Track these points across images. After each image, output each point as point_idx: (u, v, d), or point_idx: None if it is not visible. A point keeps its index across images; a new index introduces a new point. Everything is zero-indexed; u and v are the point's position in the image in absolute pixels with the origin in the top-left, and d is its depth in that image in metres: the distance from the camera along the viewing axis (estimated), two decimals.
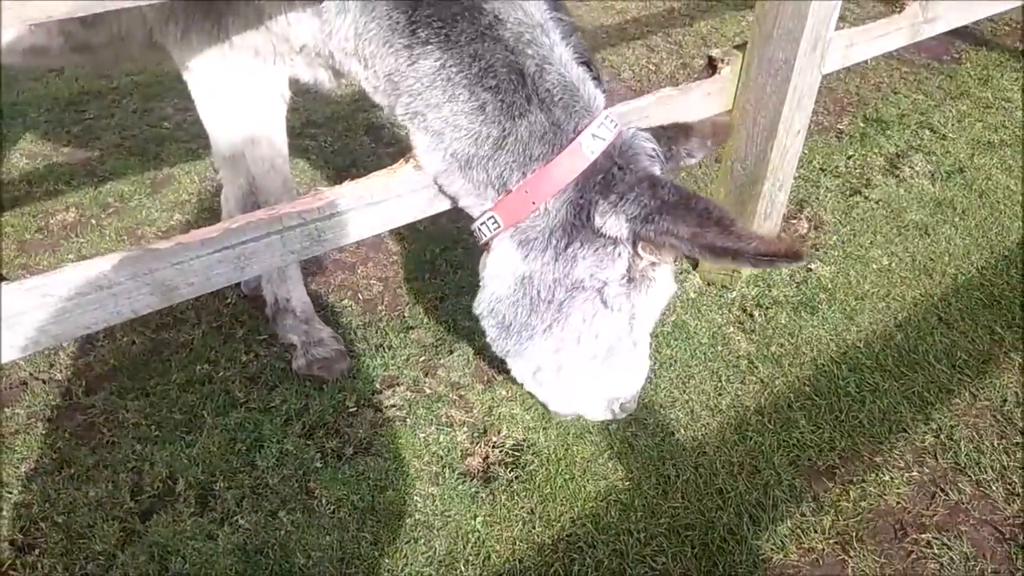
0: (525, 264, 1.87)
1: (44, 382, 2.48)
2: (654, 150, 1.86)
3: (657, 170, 1.84)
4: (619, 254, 1.82)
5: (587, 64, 1.86)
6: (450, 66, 1.75)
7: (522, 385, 2.15)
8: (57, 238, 3.14)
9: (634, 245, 1.79)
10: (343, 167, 3.60)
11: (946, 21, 3.11)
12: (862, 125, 4.01)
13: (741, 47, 2.52)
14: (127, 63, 3.75)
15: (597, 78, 1.89)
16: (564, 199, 1.80)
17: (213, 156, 2.24)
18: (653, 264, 1.84)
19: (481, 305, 1.99)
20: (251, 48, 1.87)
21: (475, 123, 1.78)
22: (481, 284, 1.99)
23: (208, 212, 3.31)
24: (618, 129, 1.82)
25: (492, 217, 1.86)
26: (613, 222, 1.76)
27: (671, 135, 1.98)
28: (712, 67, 2.53)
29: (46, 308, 1.57)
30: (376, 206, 1.93)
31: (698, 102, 2.50)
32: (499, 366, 2.39)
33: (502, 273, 1.91)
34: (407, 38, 1.76)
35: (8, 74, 4.22)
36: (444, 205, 2.03)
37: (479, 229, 1.92)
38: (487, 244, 1.94)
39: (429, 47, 1.75)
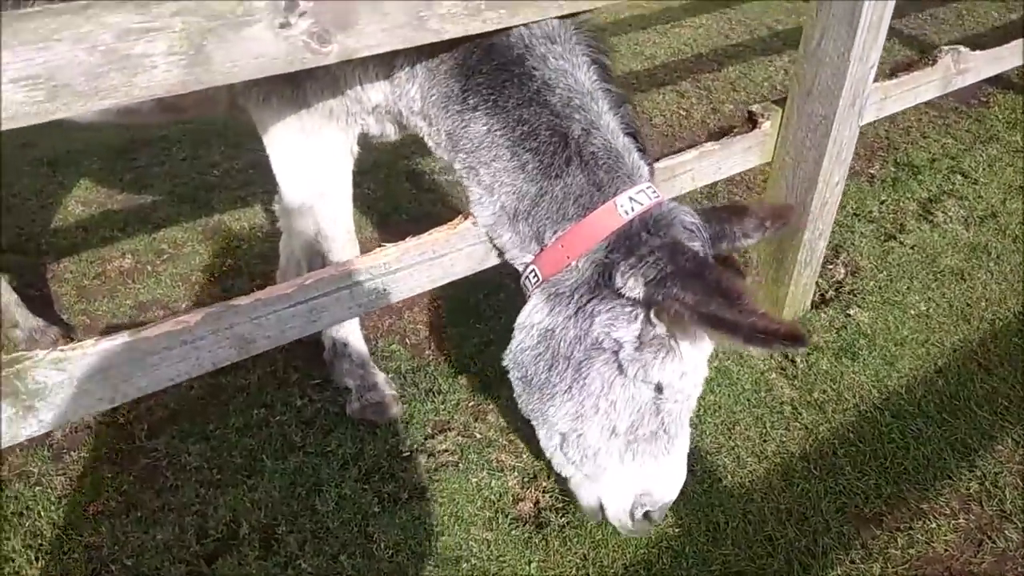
0: (550, 317, 1.90)
1: (107, 426, 2.57)
2: (692, 223, 1.85)
3: (692, 242, 1.82)
4: (635, 316, 1.79)
5: (634, 135, 1.94)
6: (495, 129, 1.87)
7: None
8: (115, 284, 3.25)
9: (647, 309, 1.77)
10: (386, 212, 3.71)
11: (976, 72, 3.20)
12: (893, 170, 4.08)
13: (780, 102, 2.60)
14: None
15: (643, 150, 1.95)
16: (592, 257, 1.83)
17: (281, 206, 2.34)
18: (672, 335, 1.79)
19: (509, 356, 2.01)
20: (327, 110, 1.99)
21: (517, 180, 1.88)
22: (512, 335, 2.01)
23: (259, 258, 3.42)
24: (658, 199, 1.86)
25: (533, 270, 1.93)
26: (631, 283, 1.76)
27: (726, 215, 1.98)
28: (752, 121, 2.62)
29: (135, 362, 1.66)
30: (437, 260, 2.02)
31: (739, 155, 2.58)
32: None
33: (528, 325, 1.95)
34: (460, 104, 1.89)
35: (64, 123, 4.38)
36: (496, 259, 2.12)
37: (524, 284, 1.98)
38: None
39: (477, 113, 1.88)
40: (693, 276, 1.67)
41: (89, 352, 1.60)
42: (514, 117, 1.85)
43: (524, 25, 1.84)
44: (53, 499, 2.32)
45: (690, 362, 1.81)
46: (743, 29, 6.05)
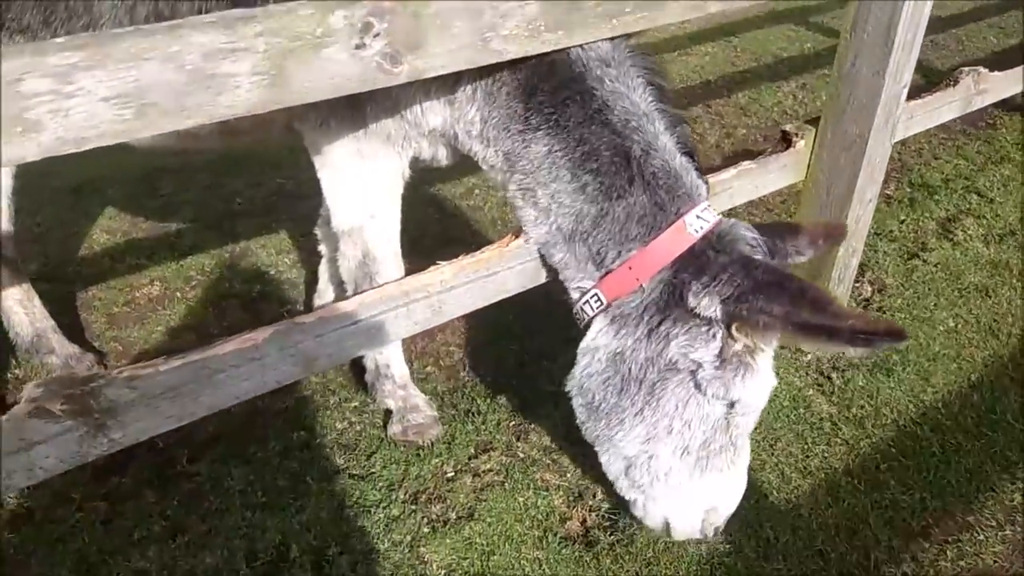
0: (617, 340, 1.91)
1: (147, 450, 2.55)
2: (755, 239, 1.89)
3: (757, 256, 1.86)
4: (713, 335, 1.81)
5: (690, 155, 1.97)
6: (556, 150, 1.89)
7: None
8: (144, 311, 3.25)
9: (728, 326, 1.79)
10: (415, 237, 3.70)
11: (995, 93, 3.27)
12: (909, 190, 4.13)
13: (813, 122, 2.65)
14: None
15: (699, 168, 1.98)
16: (660, 278, 1.85)
17: (327, 229, 2.35)
18: (750, 350, 1.82)
19: (572, 381, 2.02)
20: (385, 134, 2.01)
21: (576, 202, 1.90)
22: (576, 361, 2.03)
23: (287, 283, 3.43)
24: (719, 217, 1.91)
25: (596, 295, 1.93)
26: (707, 302, 1.78)
27: (779, 231, 2.02)
28: (786, 141, 2.66)
29: (203, 380, 1.67)
30: (491, 278, 2.05)
31: (775, 174, 2.62)
32: None
33: (594, 348, 1.96)
34: (522, 124, 1.91)
35: (83, 152, 4.41)
36: (546, 276, 2.14)
37: (582, 309, 1.98)
38: (587, 326, 1.99)
39: (539, 133, 1.90)
40: (776, 287, 1.71)
41: (161, 370, 1.61)
42: (575, 137, 1.87)
43: (580, 48, 1.88)
44: (97, 524, 2.30)
45: (763, 375, 1.84)
46: (748, 56, 6.15)
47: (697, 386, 1.86)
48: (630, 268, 1.87)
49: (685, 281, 1.82)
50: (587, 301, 1.95)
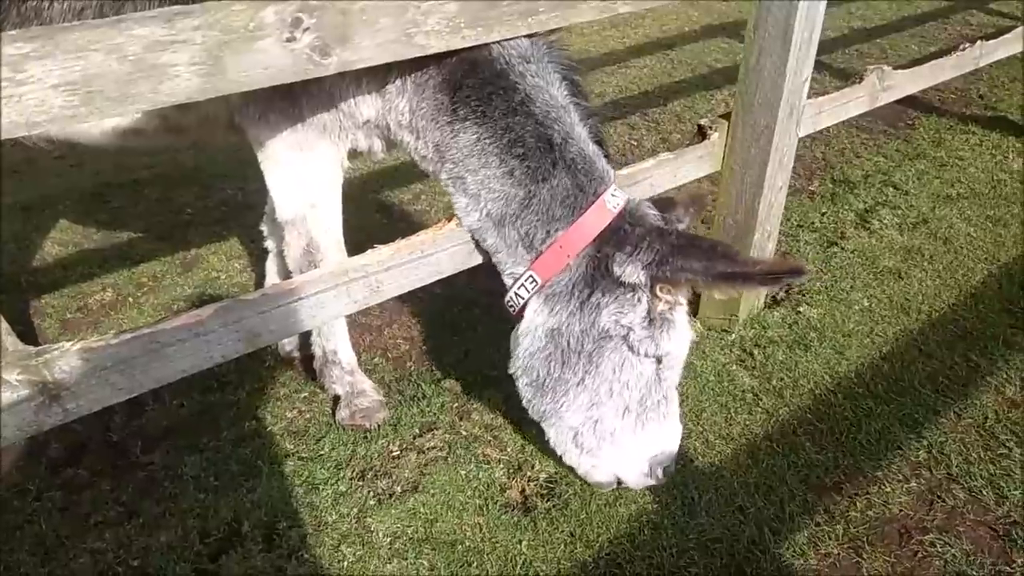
0: (553, 317, 2.07)
1: (102, 444, 2.65)
2: (656, 213, 2.12)
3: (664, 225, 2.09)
4: (638, 299, 2.01)
5: (600, 143, 2.17)
6: (484, 138, 2.04)
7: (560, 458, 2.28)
8: (97, 316, 3.34)
9: (651, 288, 1.99)
10: (359, 241, 3.83)
11: (900, 89, 3.52)
12: (831, 186, 4.39)
13: (726, 116, 2.86)
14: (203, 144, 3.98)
15: (607, 156, 2.19)
16: (584, 255, 2.03)
17: (273, 221, 2.48)
18: (671, 306, 2.03)
19: (516, 363, 2.16)
20: (321, 125, 2.15)
21: (505, 185, 2.05)
22: (513, 346, 2.18)
23: (237, 287, 3.54)
24: (627, 197, 2.12)
25: (530, 276, 2.08)
26: (631, 269, 1.97)
27: (663, 205, 2.22)
28: (702, 134, 2.86)
29: (153, 353, 1.79)
30: (426, 259, 2.19)
31: (691, 164, 2.82)
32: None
33: (532, 328, 2.11)
34: (450, 115, 2.07)
35: (37, 166, 4.48)
36: (479, 259, 2.29)
37: (516, 293, 2.12)
38: (521, 311, 2.14)
39: (467, 123, 2.05)
40: (691, 247, 1.92)
41: (112, 343, 1.72)
42: (501, 126, 2.03)
43: (500, 45, 2.05)
44: (54, 511, 2.38)
45: (681, 329, 2.07)
46: (685, 68, 6.42)
47: (630, 348, 2.05)
48: (560, 247, 2.03)
49: (608, 254, 2.00)
50: (522, 284, 2.10)
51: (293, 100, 2.09)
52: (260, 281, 3.47)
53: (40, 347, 1.67)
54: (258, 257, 3.74)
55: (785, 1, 2.50)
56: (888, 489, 2.46)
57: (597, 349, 2.06)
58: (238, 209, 4.20)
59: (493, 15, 1.96)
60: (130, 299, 3.43)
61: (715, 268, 1.89)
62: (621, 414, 2.13)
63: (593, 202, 2.04)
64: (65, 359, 1.67)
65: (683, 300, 2.08)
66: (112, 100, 1.51)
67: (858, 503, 2.41)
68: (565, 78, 2.14)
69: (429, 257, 2.20)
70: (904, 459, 2.57)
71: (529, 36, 2.11)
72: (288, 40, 1.66)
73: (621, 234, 2.02)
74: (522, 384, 2.19)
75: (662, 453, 2.23)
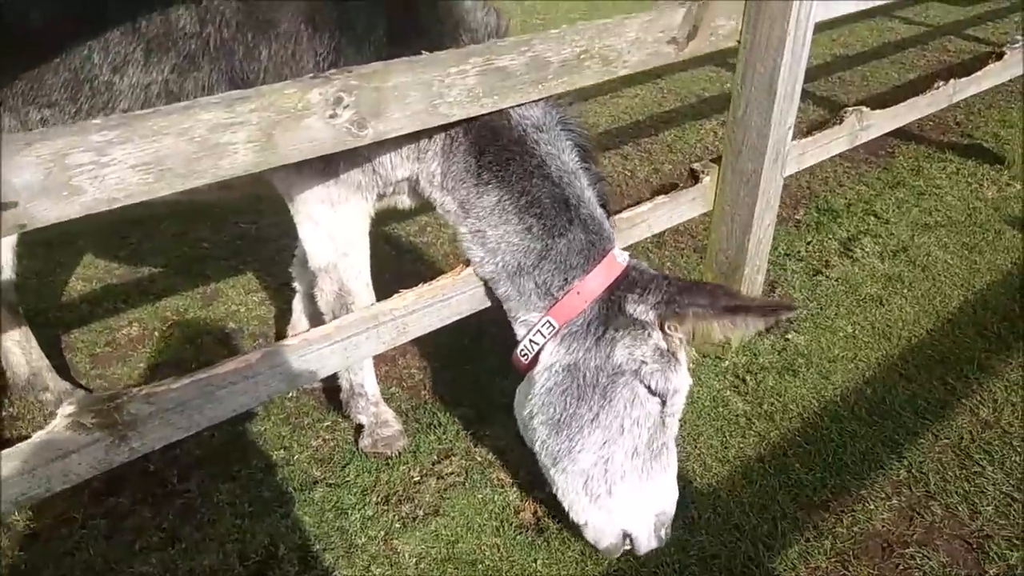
0: (570, 355, 2.22)
1: (140, 473, 2.83)
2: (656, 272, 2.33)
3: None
4: (649, 334, 2.18)
5: (605, 207, 2.39)
6: (505, 199, 2.26)
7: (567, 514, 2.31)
8: (126, 350, 3.52)
9: (661, 326, 2.18)
10: (374, 273, 4.05)
11: (879, 127, 3.77)
12: (816, 215, 4.63)
13: (717, 160, 3.09)
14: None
15: (608, 216, 2.40)
16: (597, 299, 2.23)
17: (303, 267, 2.67)
18: (679, 343, 2.20)
19: (534, 400, 2.24)
20: (355, 183, 2.36)
21: (524, 240, 2.26)
22: (523, 396, 2.32)
23: (257, 319, 3.73)
24: (628, 255, 2.35)
25: (547, 322, 2.24)
26: (642, 308, 2.19)
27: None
28: (694, 177, 3.09)
29: (208, 395, 1.98)
30: (446, 302, 2.40)
31: (685, 206, 3.05)
32: None
33: (549, 366, 2.24)
34: (475, 178, 2.29)
35: None
36: (492, 302, 2.50)
37: (530, 341, 2.26)
38: (534, 359, 2.27)
39: (490, 186, 2.28)
40: (694, 288, 2.16)
41: (173, 388, 1.92)
42: (519, 189, 2.25)
43: (518, 114, 2.26)
44: (100, 538, 2.56)
45: (684, 372, 2.24)
46: (674, 97, 6.67)
47: (641, 381, 2.16)
48: (578, 293, 2.22)
49: (621, 296, 2.22)
50: (538, 331, 2.25)
51: (329, 161, 2.29)
52: (279, 317, 3.68)
53: (111, 392, 1.87)
54: (275, 291, 3.95)
55: (769, 59, 2.73)
56: (872, 506, 2.67)
57: (611, 383, 2.19)
58: (253, 243, 4.40)
59: (507, 84, 2.18)
60: (156, 333, 3.61)
61: (719, 302, 2.10)
62: (631, 455, 2.20)
63: (604, 256, 2.26)
64: (133, 403, 1.87)
65: (688, 337, 2.23)
66: (180, 176, 1.72)
67: (844, 519, 2.62)
68: (576, 145, 2.36)
69: (449, 300, 2.41)
70: (886, 478, 2.78)
71: (544, 106, 2.33)
72: (331, 117, 1.88)
73: (631, 280, 2.25)
74: (537, 423, 2.26)
75: (664, 513, 2.29)
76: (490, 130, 2.23)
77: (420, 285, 2.37)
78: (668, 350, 2.21)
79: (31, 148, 1.51)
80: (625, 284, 2.25)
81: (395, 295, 2.33)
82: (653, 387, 2.20)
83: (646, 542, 2.30)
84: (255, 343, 3.57)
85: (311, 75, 1.89)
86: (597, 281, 2.23)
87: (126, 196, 1.67)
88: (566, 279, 2.25)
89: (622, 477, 2.22)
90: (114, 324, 3.69)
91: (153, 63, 2.24)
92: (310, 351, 2.14)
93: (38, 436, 1.79)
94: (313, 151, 1.90)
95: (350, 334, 2.21)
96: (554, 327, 2.24)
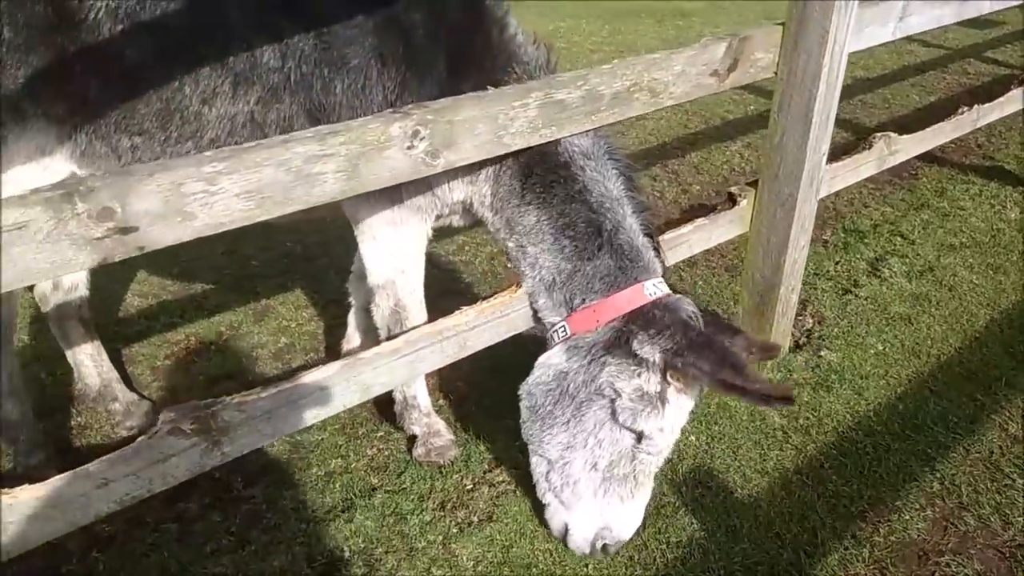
0: (567, 363, 2.39)
1: (208, 479, 2.98)
2: (694, 313, 2.33)
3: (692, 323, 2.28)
4: (638, 374, 2.24)
5: (651, 236, 2.49)
6: (543, 220, 2.43)
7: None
8: (185, 363, 3.69)
9: (663, 372, 2.22)
10: None
11: (905, 152, 3.90)
12: (843, 235, 4.75)
13: (753, 184, 3.23)
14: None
15: (657, 249, 2.50)
16: (612, 326, 2.33)
17: (360, 283, 2.82)
18: (677, 390, 2.24)
19: (525, 386, 2.46)
20: (416, 205, 2.53)
21: (556, 259, 2.42)
22: (529, 375, 2.50)
23: (307, 335, 3.89)
24: (668, 292, 2.41)
25: (563, 327, 2.41)
26: (649, 349, 2.22)
27: (720, 325, 2.43)
28: (732, 200, 3.23)
29: (291, 405, 2.14)
30: (504, 318, 2.55)
31: (724, 227, 3.19)
32: None
33: (547, 365, 2.43)
34: (519, 199, 2.45)
35: None
36: None
37: (552, 336, 2.47)
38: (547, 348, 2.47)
39: (531, 206, 2.44)
40: (706, 349, 2.15)
41: (261, 396, 2.08)
42: (558, 211, 2.41)
43: (567, 141, 2.42)
44: (172, 541, 2.72)
45: (669, 421, 2.30)
46: (699, 120, 6.83)
47: (613, 412, 2.29)
48: (593, 311, 2.36)
49: (633, 331, 2.28)
50: (556, 330, 2.44)
51: (395, 186, 2.46)
52: (328, 333, 3.84)
53: (207, 400, 2.03)
54: (323, 307, 4.11)
55: (805, 89, 2.88)
56: (907, 516, 2.78)
57: (587, 401, 2.34)
58: (299, 260, 4.57)
59: (564, 116, 2.34)
60: (212, 347, 3.78)
61: (719, 374, 2.09)
62: (588, 468, 2.37)
63: (631, 285, 2.35)
64: (227, 411, 2.02)
65: (691, 388, 2.26)
66: (277, 203, 1.89)
67: (881, 529, 2.73)
68: (622, 174, 2.51)
69: (506, 317, 2.56)
70: (920, 490, 2.90)
71: (593, 136, 2.48)
72: (408, 148, 2.04)
73: (650, 316, 2.30)
74: (523, 405, 2.47)
75: (610, 531, 2.45)
76: (539, 155, 2.38)
77: (479, 302, 2.52)
78: (654, 394, 2.25)
79: (152, 178, 1.67)
80: (642, 319, 2.28)
81: (456, 312, 2.48)
82: (620, 420, 2.29)
83: (580, 544, 2.51)
84: (307, 357, 3.74)
85: (391, 110, 2.06)
86: (613, 306, 2.33)
87: (230, 221, 1.84)
88: (584, 299, 2.38)
89: (576, 482, 2.40)
90: (172, 338, 3.87)
91: (240, 95, 2.42)
92: (382, 364, 2.30)
93: (141, 440, 1.95)
94: (392, 179, 2.06)
95: (418, 348, 2.36)
96: (567, 333, 2.39)
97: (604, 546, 2.49)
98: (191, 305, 4.15)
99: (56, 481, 1.85)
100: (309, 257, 4.61)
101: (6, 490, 1.81)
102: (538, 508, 2.81)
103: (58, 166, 2.56)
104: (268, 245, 4.74)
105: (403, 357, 2.34)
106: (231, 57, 2.36)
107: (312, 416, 2.20)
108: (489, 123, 2.18)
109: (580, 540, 2.51)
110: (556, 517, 2.55)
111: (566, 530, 2.53)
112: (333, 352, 3.73)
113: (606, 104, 2.45)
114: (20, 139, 2.44)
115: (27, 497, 1.81)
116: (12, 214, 1.54)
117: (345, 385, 2.24)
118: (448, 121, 2.09)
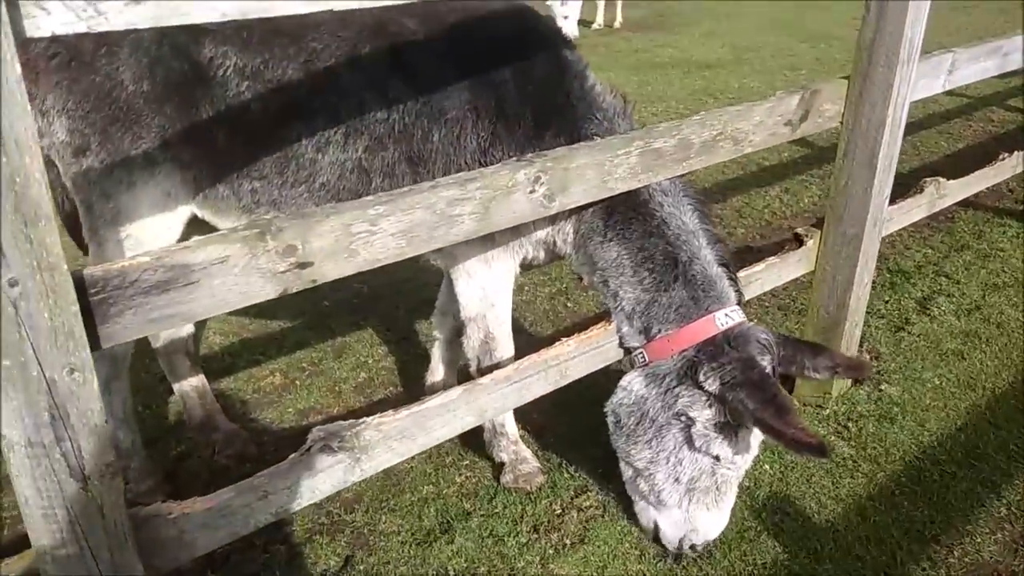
0: (646, 389, 2.61)
1: (309, 505, 3.14)
2: (767, 340, 2.50)
3: (763, 356, 2.47)
4: (709, 404, 2.46)
5: (726, 266, 2.69)
6: (623, 255, 2.64)
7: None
8: (272, 397, 3.88)
9: (721, 403, 2.43)
10: None
11: (952, 196, 4.11)
12: (888, 275, 4.94)
13: (818, 224, 3.44)
14: None
15: (733, 278, 2.70)
16: (685, 355, 2.54)
17: (461, 316, 2.98)
18: (737, 424, 2.44)
19: (609, 405, 2.69)
20: (506, 245, 2.74)
21: (636, 290, 2.64)
22: (614, 393, 2.71)
23: (385, 370, 4.09)
24: (743, 319, 2.59)
25: (641, 353, 2.63)
26: (711, 381, 2.42)
27: (803, 347, 2.61)
28: (799, 241, 3.43)
29: (420, 425, 2.32)
30: (599, 349, 2.74)
31: (792, 266, 3.39)
32: None
33: (629, 389, 2.65)
34: (601, 236, 2.67)
35: None
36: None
37: (632, 358, 2.69)
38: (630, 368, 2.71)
39: (612, 243, 2.66)
40: (757, 389, 2.34)
41: (397, 418, 2.27)
42: (637, 246, 2.62)
43: None
44: (283, 563, 2.88)
45: (744, 444, 2.51)
46: (736, 166, 7.06)
47: (688, 438, 2.51)
48: (669, 340, 2.57)
49: (700, 361, 2.49)
50: (636, 355, 2.67)
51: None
52: (403, 369, 4.03)
53: (350, 421, 2.22)
54: (396, 344, 4.32)
55: (870, 137, 3.10)
56: (978, 540, 2.92)
57: (667, 425, 2.56)
58: (368, 301, 4.79)
59: (660, 163, 2.57)
60: (297, 382, 3.98)
61: (760, 413, 2.27)
62: (671, 482, 2.59)
63: (703, 316, 2.55)
64: (368, 431, 2.21)
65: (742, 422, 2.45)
66: (424, 241, 2.10)
67: (955, 552, 2.87)
68: (696, 208, 2.72)
69: (600, 348, 2.75)
70: (988, 515, 3.03)
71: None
72: (531, 192, 2.26)
73: (718, 349, 2.49)
74: (609, 421, 2.71)
75: (697, 532, 2.66)
76: (623, 195, 2.57)
77: (578, 334, 2.72)
78: (725, 423, 2.45)
79: (328, 219, 1.90)
80: (709, 351, 2.47)
81: (557, 343, 2.68)
82: (696, 446, 2.50)
83: (671, 540, 2.74)
84: (387, 391, 3.92)
85: (515, 159, 2.30)
86: (686, 337, 2.53)
87: (385, 258, 2.05)
88: (659, 330, 2.59)
89: (661, 491, 2.63)
90: (257, 374, 4.07)
91: (350, 144, 2.67)
92: (496, 390, 2.49)
93: (294, 457, 2.14)
94: (515, 220, 2.29)
95: (526, 376, 2.56)
96: (646, 359, 2.61)
97: (692, 545, 2.70)
98: (272, 343, 4.36)
99: (225, 493, 2.03)
100: (376, 297, 4.83)
101: (179, 502, 2.00)
102: (627, 531, 2.97)
103: (181, 208, 2.80)
104: (338, 286, 4.93)
105: (513, 384, 2.53)
106: (343, 111, 2.61)
107: (437, 437, 2.38)
108: (597, 169, 2.40)
109: (670, 540, 2.74)
110: (645, 515, 2.80)
111: (655, 527, 2.77)
112: (410, 386, 3.91)
113: (695, 151, 2.67)
114: (148, 183, 2.68)
115: (200, 508, 1.99)
116: (216, 249, 1.77)
117: (466, 409, 2.42)
118: (564, 168, 2.32)
